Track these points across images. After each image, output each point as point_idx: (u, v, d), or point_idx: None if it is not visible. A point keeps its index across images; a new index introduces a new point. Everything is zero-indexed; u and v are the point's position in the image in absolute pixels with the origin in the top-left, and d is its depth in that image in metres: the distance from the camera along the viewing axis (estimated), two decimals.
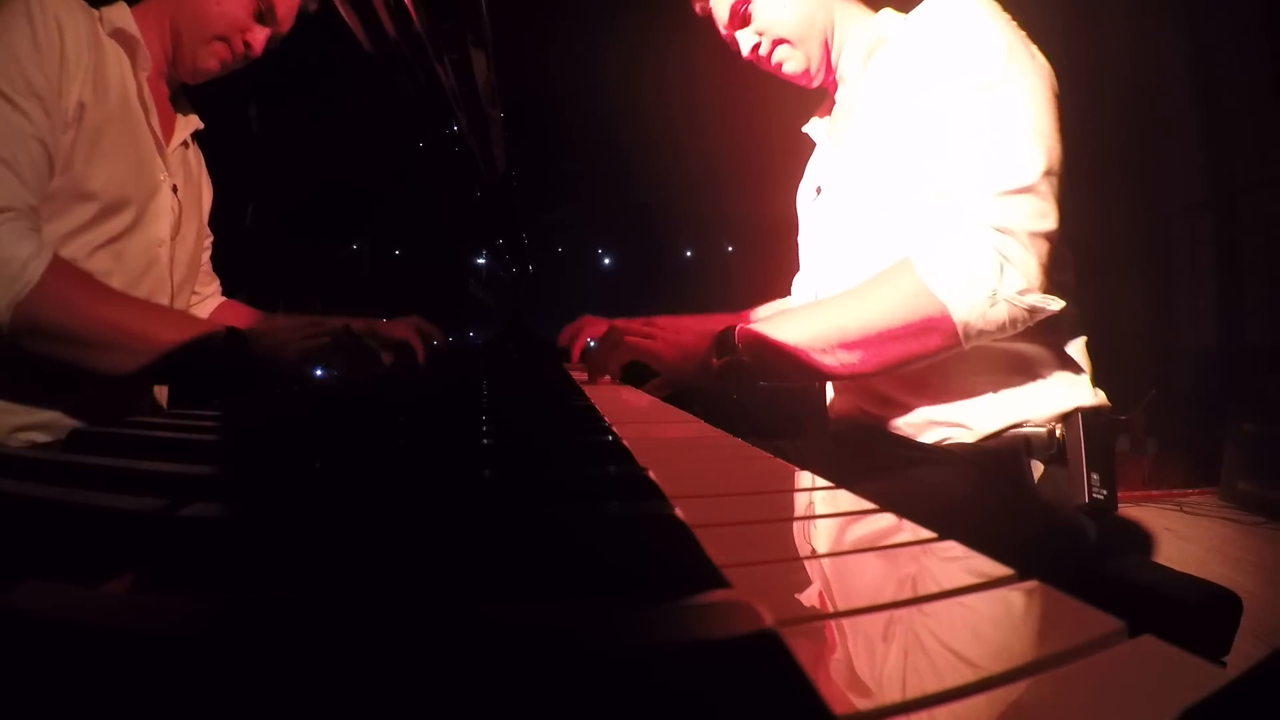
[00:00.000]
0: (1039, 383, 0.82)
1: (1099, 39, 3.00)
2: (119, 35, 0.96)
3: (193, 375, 0.86)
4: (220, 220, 1.26)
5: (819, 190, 1.07)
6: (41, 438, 0.87)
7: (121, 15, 0.97)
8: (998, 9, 0.83)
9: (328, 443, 0.44)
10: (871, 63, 0.97)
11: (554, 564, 0.21)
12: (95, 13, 0.95)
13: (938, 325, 0.75)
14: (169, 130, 1.06)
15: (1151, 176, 3.53)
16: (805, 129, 1.13)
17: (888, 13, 0.98)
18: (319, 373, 0.91)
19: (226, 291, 1.29)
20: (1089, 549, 0.80)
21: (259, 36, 1.04)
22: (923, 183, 0.84)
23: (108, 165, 0.92)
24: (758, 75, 1.10)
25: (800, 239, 1.16)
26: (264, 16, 1.04)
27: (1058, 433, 0.80)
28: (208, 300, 1.24)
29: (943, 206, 0.78)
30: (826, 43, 1.01)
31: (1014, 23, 0.83)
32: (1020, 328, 0.76)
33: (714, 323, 0.96)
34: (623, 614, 0.16)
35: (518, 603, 0.18)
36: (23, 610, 0.15)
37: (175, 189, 1.06)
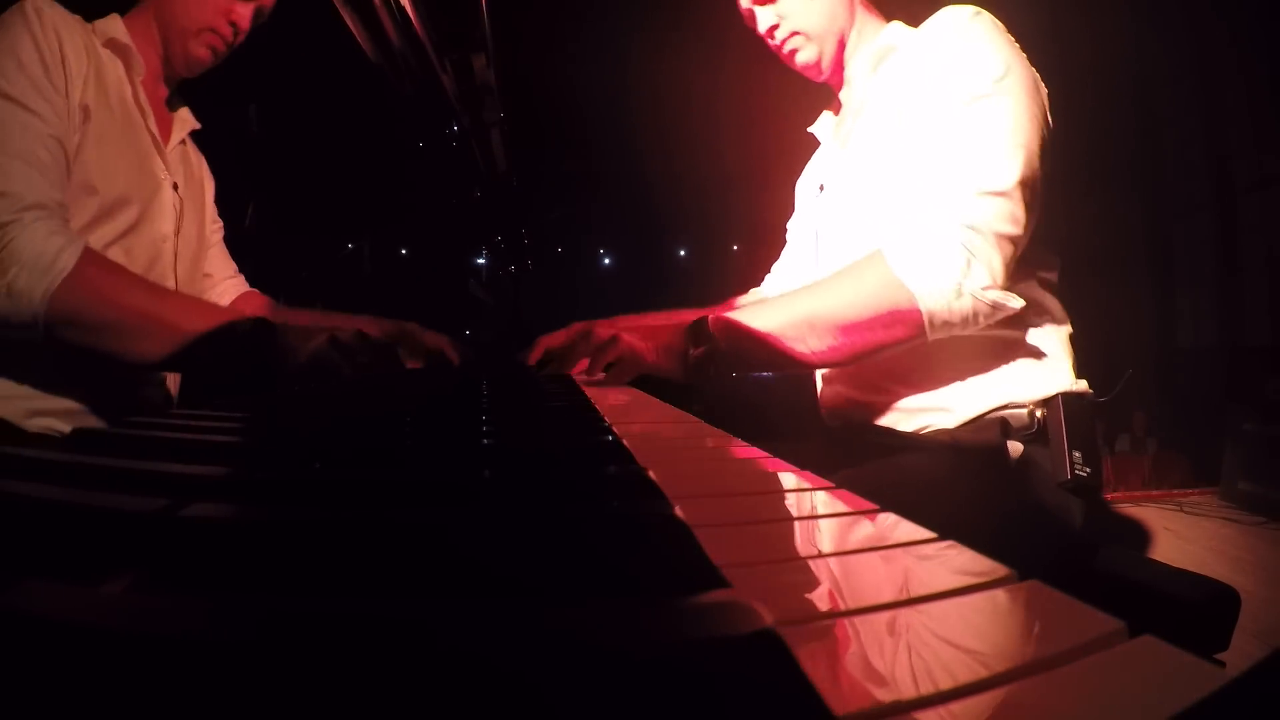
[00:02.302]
0: (1022, 368, 0.85)
1: (1100, 39, 2.99)
2: (113, 45, 0.99)
3: (214, 364, 0.87)
4: (221, 220, 1.26)
5: (821, 187, 1.09)
6: (60, 426, 0.89)
7: (113, 26, 1.00)
8: (999, 27, 0.86)
9: (328, 442, 0.44)
10: (881, 69, 0.99)
11: (553, 564, 0.21)
12: (89, 26, 0.98)
13: (905, 315, 0.77)
14: (166, 131, 1.08)
15: (1152, 177, 3.53)
16: (811, 129, 1.15)
17: (898, 24, 1.01)
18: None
19: None
20: (1067, 529, 0.81)
21: (244, 13, 1.05)
22: (910, 185, 0.86)
23: (111, 165, 0.94)
24: (760, 76, 1.11)
25: (793, 228, 1.18)
26: None
27: (1038, 414, 0.82)
28: (229, 283, 1.24)
29: (921, 205, 0.81)
30: (843, 41, 1.02)
31: (1014, 42, 0.86)
32: (983, 323, 0.78)
33: (676, 318, 0.98)
34: (622, 614, 0.16)
35: (516, 603, 0.18)
36: (23, 610, 0.15)
37: (176, 186, 1.07)
